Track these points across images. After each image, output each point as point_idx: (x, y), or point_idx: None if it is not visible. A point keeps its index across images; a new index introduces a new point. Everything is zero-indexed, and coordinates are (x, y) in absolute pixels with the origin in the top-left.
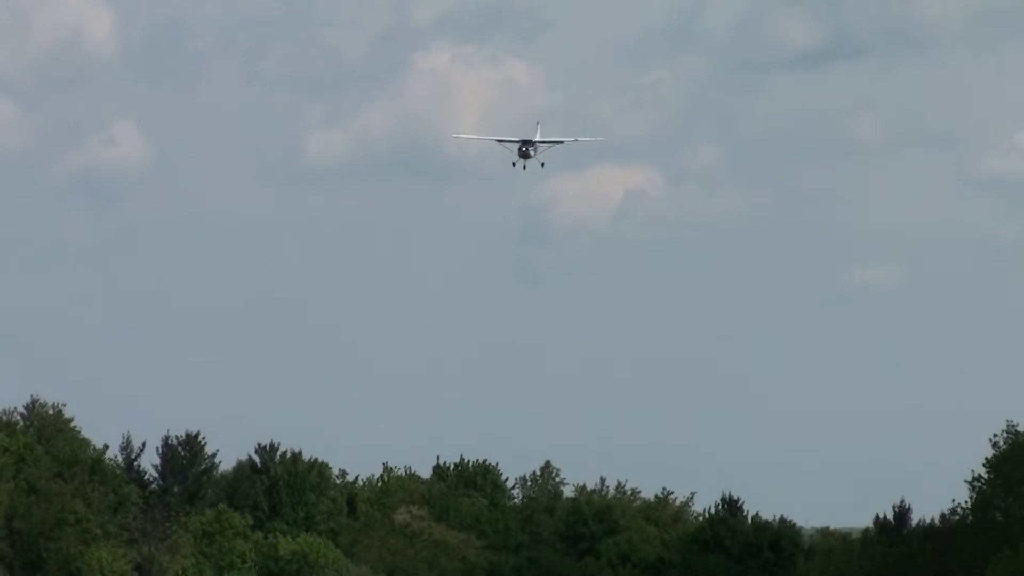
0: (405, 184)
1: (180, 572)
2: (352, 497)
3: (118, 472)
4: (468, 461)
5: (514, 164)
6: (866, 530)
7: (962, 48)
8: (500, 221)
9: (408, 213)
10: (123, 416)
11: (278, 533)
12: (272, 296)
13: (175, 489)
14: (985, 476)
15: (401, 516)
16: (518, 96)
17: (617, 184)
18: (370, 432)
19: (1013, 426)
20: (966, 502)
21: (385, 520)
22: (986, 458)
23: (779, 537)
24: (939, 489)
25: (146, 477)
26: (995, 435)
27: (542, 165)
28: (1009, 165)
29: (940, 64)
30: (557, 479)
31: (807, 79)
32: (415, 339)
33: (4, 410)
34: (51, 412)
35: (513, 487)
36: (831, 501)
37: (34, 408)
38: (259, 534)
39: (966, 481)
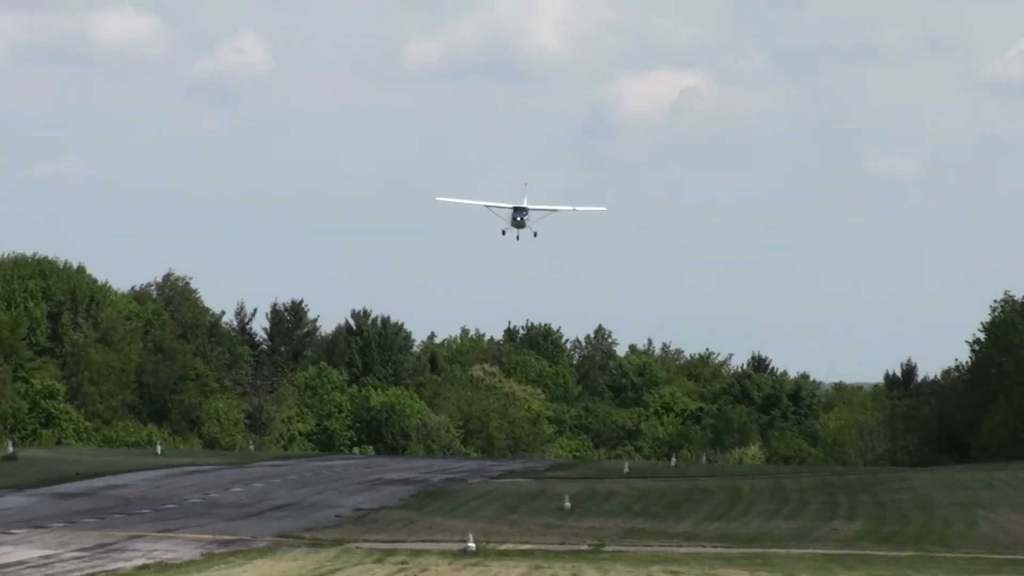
0: (488, 85)
1: (286, 420)
2: (434, 356)
3: (233, 334)
4: (533, 325)
5: (504, 232)
6: (876, 385)
7: None
8: (570, 115)
9: (489, 109)
10: (238, 286)
11: (370, 387)
12: (368, 182)
13: (281, 349)
14: (983, 338)
15: (476, 372)
16: (589, 9)
17: (673, 85)
18: (450, 300)
19: (1010, 295)
20: (966, 361)
21: (462, 375)
22: (983, 323)
23: (798, 388)
24: (942, 350)
25: (257, 339)
26: (995, 302)
27: (535, 235)
28: (1013, 70)
29: None
30: (609, 340)
31: None
32: (490, 220)
33: (146, 283)
34: (180, 284)
35: (573, 348)
36: (848, 360)
37: (166, 281)
38: (354, 388)
39: (966, 342)
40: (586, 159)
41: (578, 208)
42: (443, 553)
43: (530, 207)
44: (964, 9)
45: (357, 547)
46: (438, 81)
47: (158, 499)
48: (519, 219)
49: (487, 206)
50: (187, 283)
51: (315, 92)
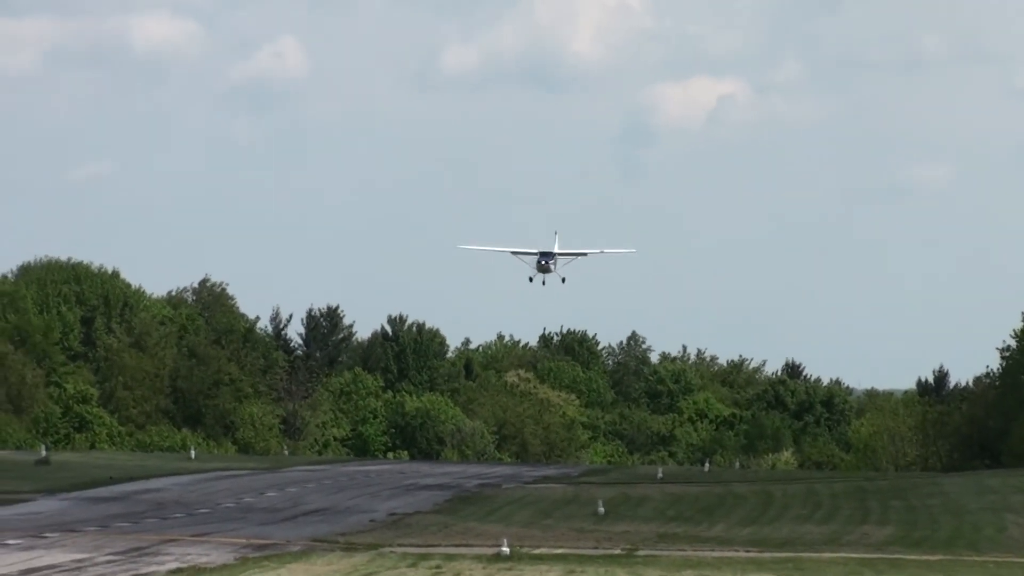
0: (526, 92)
1: (320, 425)
2: (469, 362)
3: (267, 339)
4: (568, 331)
5: (531, 279)
6: (908, 391)
7: None
8: (607, 122)
9: (527, 116)
10: (274, 292)
11: (405, 392)
12: (404, 188)
13: (317, 355)
14: (1014, 345)
15: (510, 378)
16: (627, 16)
17: (711, 92)
18: (485, 307)
19: None
20: (997, 368)
21: (497, 381)
22: (1014, 330)
23: (831, 395)
24: (974, 357)
25: (292, 344)
26: None
27: (563, 280)
28: None
29: None
30: (643, 346)
31: (877, 3)
32: (524, 229)
33: (183, 288)
34: (216, 290)
35: (607, 354)
36: (880, 366)
37: (202, 286)
38: (389, 393)
39: (997, 349)
40: (623, 165)
41: (606, 251)
42: (477, 557)
43: (557, 252)
44: (1001, 18)
45: (391, 551)
46: (475, 88)
47: (192, 503)
48: (544, 263)
49: (513, 252)
50: (223, 289)
51: (352, 98)
